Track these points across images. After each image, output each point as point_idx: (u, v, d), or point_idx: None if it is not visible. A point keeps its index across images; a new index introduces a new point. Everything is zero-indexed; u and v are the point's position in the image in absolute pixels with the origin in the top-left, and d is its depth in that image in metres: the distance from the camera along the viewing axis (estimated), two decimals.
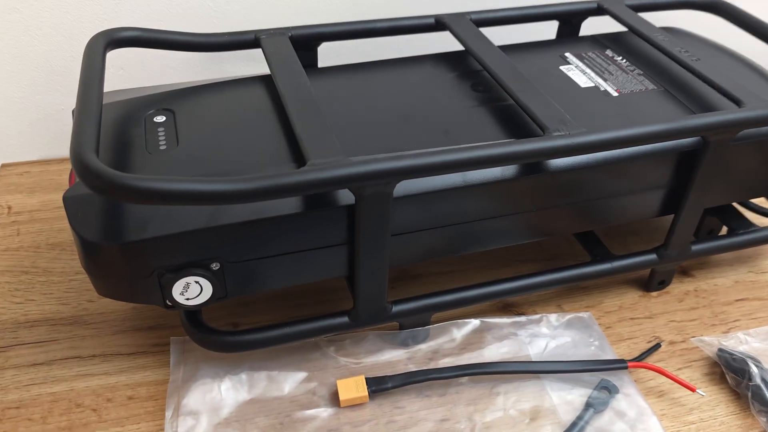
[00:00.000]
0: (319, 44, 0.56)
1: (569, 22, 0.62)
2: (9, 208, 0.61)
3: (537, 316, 0.52)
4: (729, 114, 0.45)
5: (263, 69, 0.51)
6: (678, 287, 0.57)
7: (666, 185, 0.50)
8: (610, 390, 0.47)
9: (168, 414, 0.44)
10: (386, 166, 0.39)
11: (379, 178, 0.39)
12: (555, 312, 0.54)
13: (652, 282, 0.56)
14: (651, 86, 0.52)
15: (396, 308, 0.47)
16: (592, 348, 0.50)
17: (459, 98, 0.50)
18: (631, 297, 0.56)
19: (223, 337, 0.45)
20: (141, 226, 0.39)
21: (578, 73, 0.53)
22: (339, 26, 0.55)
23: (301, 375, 0.47)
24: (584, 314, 0.53)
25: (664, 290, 0.56)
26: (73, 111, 0.47)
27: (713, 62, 0.54)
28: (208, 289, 0.42)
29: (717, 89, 0.49)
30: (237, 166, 0.42)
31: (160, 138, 0.44)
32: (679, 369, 0.50)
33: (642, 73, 0.54)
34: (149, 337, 0.50)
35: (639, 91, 0.52)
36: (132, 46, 0.50)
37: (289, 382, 0.46)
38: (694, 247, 0.54)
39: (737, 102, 0.47)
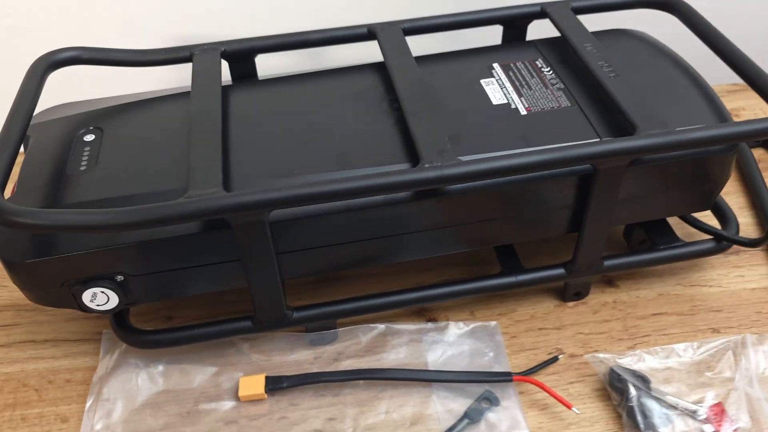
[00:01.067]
0: (254, 56, 0.59)
1: (514, 26, 0.61)
2: None
3: (443, 324, 0.55)
4: (612, 144, 0.46)
5: None
6: (596, 298, 0.58)
7: (568, 206, 0.51)
8: (492, 401, 0.50)
9: (89, 401, 0.51)
10: (256, 198, 0.43)
11: (250, 209, 0.43)
12: (467, 318, 0.56)
13: (567, 293, 0.57)
14: (565, 104, 0.52)
15: (297, 315, 0.52)
16: (486, 358, 0.53)
17: (368, 117, 0.52)
18: (546, 306, 0.57)
19: (141, 336, 0.51)
20: (47, 247, 0.45)
21: (496, 87, 0.54)
22: (272, 39, 0.58)
23: (212, 369, 0.53)
24: (491, 323, 0.55)
25: (582, 301, 0.58)
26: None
27: (637, 77, 0.53)
28: (114, 298, 0.47)
29: (619, 111, 0.49)
30: (142, 188, 0.47)
31: (83, 158, 0.50)
32: (571, 383, 0.52)
33: (563, 87, 0.54)
34: (95, 326, 0.57)
35: (550, 109, 0.52)
36: (73, 65, 0.55)
37: (200, 375, 0.52)
38: (607, 263, 0.55)
39: (633, 127, 0.47)
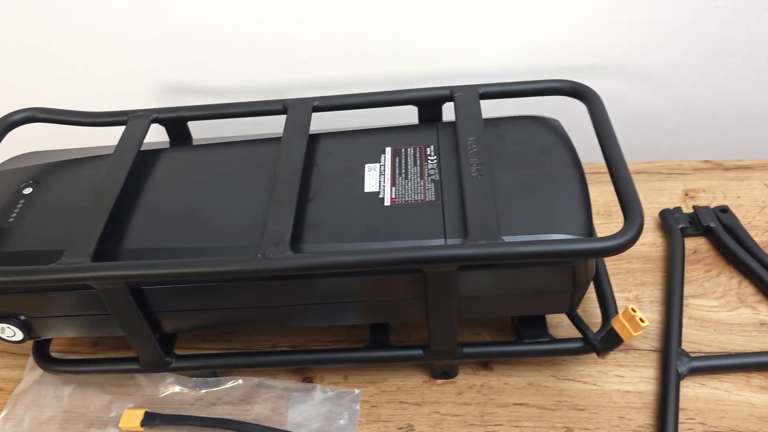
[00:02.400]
0: (185, 123, 0.66)
1: (428, 106, 0.64)
2: None
3: (311, 385, 0.60)
4: (430, 251, 0.48)
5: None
6: (466, 380, 0.60)
7: (410, 298, 0.53)
8: None
9: (5, 411, 0.61)
10: (115, 272, 0.50)
11: (107, 280, 0.50)
12: (339, 382, 0.61)
13: (435, 371, 0.60)
14: (430, 198, 0.55)
15: (176, 363, 0.59)
16: (336, 424, 0.57)
17: (250, 194, 0.57)
18: (415, 381, 0.61)
19: (50, 364, 0.61)
20: None
21: (375, 174, 0.58)
22: (200, 109, 0.65)
23: (108, 398, 0.61)
24: (355, 391, 0.60)
25: (450, 380, 0.60)
26: None
27: (507, 178, 0.54)
28: (19, 333, 0.57)
29: (467, 212, 0.51)
30: (45, 246, 0.56)
31: (16, 210, 0.59)
32: None
33: (437, 180, 0.56)
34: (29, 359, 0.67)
35: (413, 202, 0.55)
36: (32, 122, 0.65)
37: (96, 401, 0.61)
38: (466, 350, 0.57)
39: (466, 234, 0.49)
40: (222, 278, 0.51)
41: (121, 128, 0.63)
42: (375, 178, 0.57)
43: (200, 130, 0.67)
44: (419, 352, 0.57)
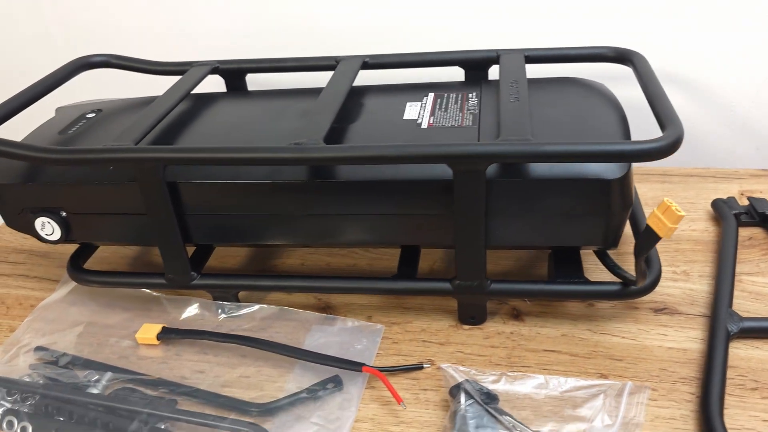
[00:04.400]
0: (244, 75, 0.70)
1: (474, 69, 0.66)
2: None
3: (332, 317, 0.58)
4: (462, 146, 0.48)
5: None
6: (494, 327, 0.57)
7: (443, 217, 0.52)
8: (337, 384, 0.51)
9: (29, 318, 0.61)
10: (154, 154, 0.52)
11: (147, 162, 0.52)
12: (362, 319, 0.59)
13: (462, 315, 0.57)
14: (468, 123, 0.55)
15: (198, 280, 0.59)
16: (352, 351, 0.55)
17: (293, 122, 0.59)
18: (441, 324, 0.58)
19: (80, 273, 0.61)
20: (13, 175, 0.58)
21: (416, 108, 0.59)
22: (258, 62, 0.69)
23: (128, 314, 0.61)
24: (377, 325, 0.57)
25: (478, 326, 0.57)
26: (56, 109, 0.69)
27: (542, 109, 0.54)
28: (57, 230, 0.59)
29: (499, 123, 0.51)
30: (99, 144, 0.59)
31: (76, 127, 0.63)
32: (424, 390, 0.51)
33: (476, 113, 0.57)
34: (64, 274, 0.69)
35: (450, 126, 0.55)
36: (103, 68, 0.70)
37: (117, 316, 0.61)
38: (494, 285, 0.54)
39: (497, 137, 0.49)
40: (257, 163, 0.51)
41: None
42: (415, 110, 0.59)
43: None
44: (446, 284, 0.55)
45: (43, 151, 0.53)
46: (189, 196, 0.55)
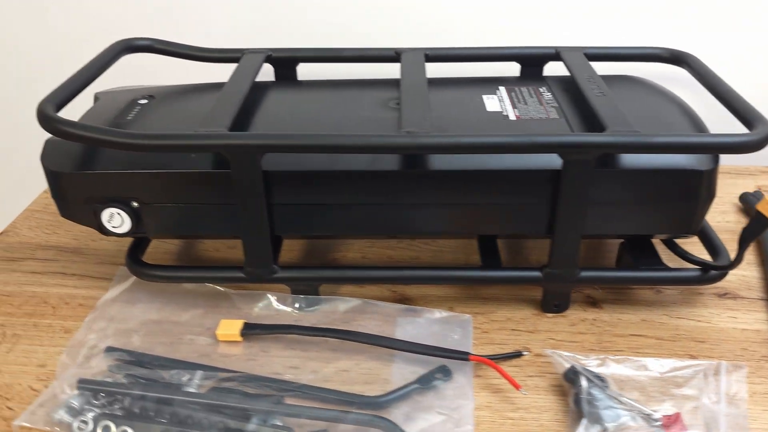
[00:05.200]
0: (296, 64, 0.68)
1: (530, 64, 0.68)
2: None
3: (418, 308, 0.58)
4: (577, 136, 0.49)
5: None
6: (576, 314, 0.58)
7: (541, 202, 0.53)
8: (445, 374, 0.51)
9: (90, 316, 0.57)
10: (253, 140, 0.50)
11: (246, 148, 0.50)
12: (444, 310, 0.59)
13: (546, 303, 0.58)
14: (554, 116, 0.57)
15: (281, 273, 0.57)
16: (450, 340, 0.55)
17: (374, 112, 0.58)
18: (524, 314, 0.59)
19: (145, 268, 0.58)
20: (83, 163, 0.54)
21: (495, 101, 0.60)
22: (312, 51, 0.68)
23: (201, 311, 0.58)
24: (465, 316, 0.57)
25: (561, 314, 0.58)
26: (95, 95, 0.64)
27: (625, 101, 0.56)
28: (127, 222, 0.55)
29: (594, 117, 0.53)
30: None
31: (133, 113, 0.59)
32: (530, 376, 0.52)
33: (557, 106, 0.58)
34: (118, 270, 0.64)
35: (538, 118, 0.56)
36: (145, 52, 0.66)
37: (189, 313, 0.58)
38: (584, 273, 0.56)
39: (603, 128, 0.51)
40: (370, 151, 0.50)
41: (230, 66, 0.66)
42: (495, 103, 0.59)
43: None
44: (537, 273, 0.56)
45: (139, 138, 0.49)
46: (282, 185, 0.53)
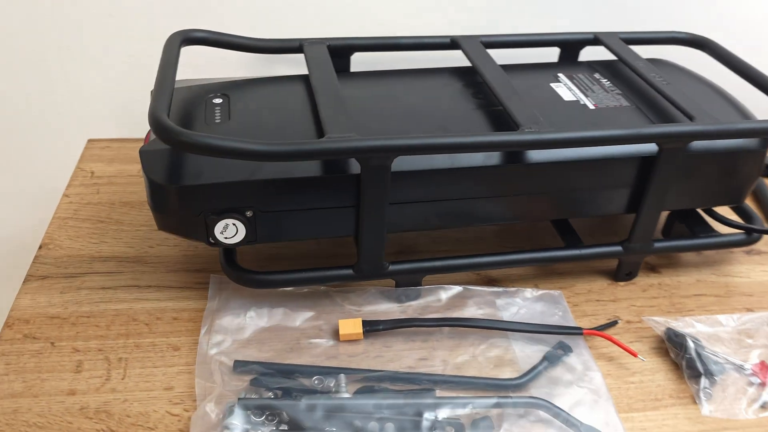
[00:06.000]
0: (352, 53, 0.67)
1: (569, 49, 0.72)
2: (92, 172, 0.75)
3: (513, 289, 0.62)
4: (679, 126, 0.55)
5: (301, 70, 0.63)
6: (644, 280, 0.65)
7: (630, 186, 0.59)
8: (565, 350, 0.56)
9: (202, 330, 0.55)
10: (385, 143, 0.50)
11: (380, 152, 0.50)
12: (530, 288, 0.63)
13: (620, 273, 0.64)
14: (625, 103, 0.62)
15: (392, 267, 0.58)
16: (555, 317, 0.59)
17: (460, 103, 0.60)
18: (600, 284, 0.64)
19: (252, 275, 0.56)
20: (196, 175, 0.51)
21: (565, 89, 0.63)
22: (369, 39, 0.67)
23: (311, 314, 0.58)
24: (556, 292, 0.62)
25: (631, 281, 0.65)
26: (151, 92, 0.60)
27: (682, 87, 0.63)
28: (242, 232, 0.53)
29: (676, 106, 0.58)
30: (273, 137, 0.54)
31: (216, 114, 0.57)
32: (630, 342, 0.58)
33: (621, 93, 0.63)
34: (194, 277, 0.62)
35: (614, 106, 0.61)
36: (201, 45, 0.62)
37: (301, 318, 0.57)
38: (657, 244, 0.62)
39: (690, 118, 0.56)
40: (493, 148, 0.53)
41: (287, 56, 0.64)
42: (566, 92, 0.63)
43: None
44: (618, 248, 0.62)
45: (277, 146, 0.47)
46: (404, 185, 0.54)
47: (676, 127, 0.55)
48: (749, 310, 0.63)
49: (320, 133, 0.53)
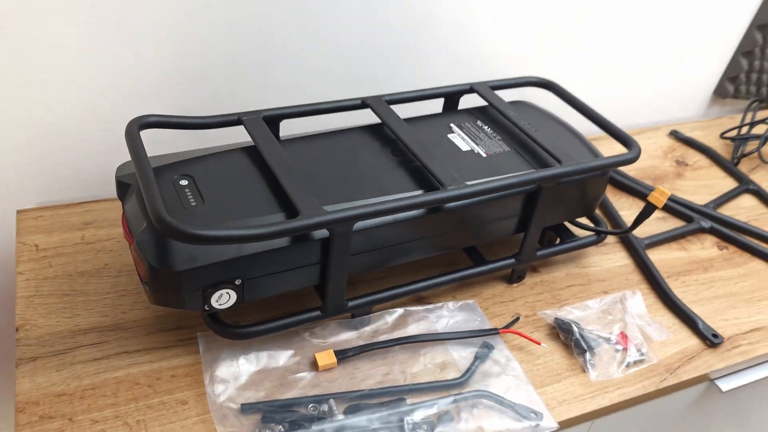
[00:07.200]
0: (281, 120, 0.78)
1: (451, 99, 0.88)
2: (36, 245, 0.78)
3: (440, 304, 0.78)
4: (553, 170, 0.73)
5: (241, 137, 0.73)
6: (530, 280, 0.84)
7: (519, 214, 0.77)
8: (489, 348, 0.73)
9: (206, 381, 0.65)
10: (351, 213, 0.62)
11: (347, 221, 0.63)
12: (450, 300, 0.79)
13: (513, 277, 0.83)
14: (507, 149, 0.79)
15: (350, 303, 0.71)
16: (476, 322, 0.76)
17: (383, 161, 0.74)
18: (500, 288, 0.83)
19: (237, 329, 0.66)
20: (192, 258, 0.60)
21: (460, 139, 0.80)
22: (295, 108, 0.78)
23: (290, 352, 0.69)
24: (470, 301, 0.79)
25: (521, 283, 0.84)
26: (134, 178, 0.67)
27: (545, 131, 0.82)
28: (233, 298, 0.63)
29: (545, 150, 0.77)
30: (250, 215, 0.64)
31: (189, 197, 0.65)
32: (531, 332, 0.77)
33: (501, 139, 0.81)
34: (174, 335, 0.70)
35: (499, 152, 0.79)
36: (156, 128, 0.70)
37: (282, 357, 0.69)
38: (539, 252, 0.82)
39: (558, 161, 0.75)
40: (429, 207, 0.67)
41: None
42: (461, 142, 0.79)
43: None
44: (512, 260, 0.80)
45: (270, 228, 0.58)
46: (359, 240, 0.67)
47: (551, 171, 0.73)
48: (605, 293, 0.84)
49: (283, 204, 0.64)
